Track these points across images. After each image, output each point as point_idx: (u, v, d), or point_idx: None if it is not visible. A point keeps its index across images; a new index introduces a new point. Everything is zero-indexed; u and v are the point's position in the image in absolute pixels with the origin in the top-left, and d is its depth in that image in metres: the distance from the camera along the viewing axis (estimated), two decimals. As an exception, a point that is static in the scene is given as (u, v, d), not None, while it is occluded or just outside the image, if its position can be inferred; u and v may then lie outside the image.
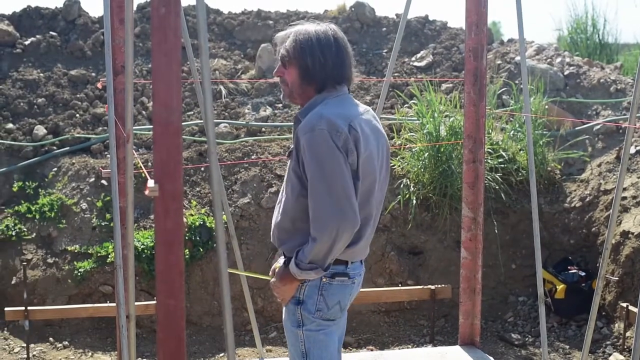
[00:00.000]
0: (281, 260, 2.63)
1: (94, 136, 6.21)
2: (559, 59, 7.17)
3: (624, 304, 4.84)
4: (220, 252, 1.87)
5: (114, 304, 4.57)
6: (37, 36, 7.23)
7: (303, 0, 28.06)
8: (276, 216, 2.64)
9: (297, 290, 2.55)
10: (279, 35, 2.60)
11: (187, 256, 5.28)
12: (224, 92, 6.92)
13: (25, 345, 4.85)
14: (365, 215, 2.51)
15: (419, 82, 6.78)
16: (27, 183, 5.80)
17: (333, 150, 2.37)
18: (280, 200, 2.62)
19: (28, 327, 4.73)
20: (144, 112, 6.58)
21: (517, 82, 6.65)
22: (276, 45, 2.61)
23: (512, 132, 6.06)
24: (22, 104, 6.52)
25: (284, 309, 2.68)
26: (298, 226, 2.52)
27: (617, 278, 5.17)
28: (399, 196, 5.67)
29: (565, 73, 6.96)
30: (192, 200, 5.67)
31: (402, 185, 5.72)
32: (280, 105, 6.84)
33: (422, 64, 7.48)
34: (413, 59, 7.59)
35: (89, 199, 5.72)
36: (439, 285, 5.26)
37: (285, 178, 2.59)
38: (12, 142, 6.08)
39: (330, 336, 2.60)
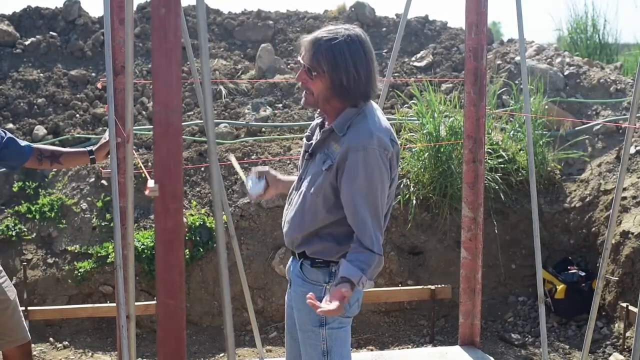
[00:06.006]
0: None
1: (94, 136, 6.21)
2: (558, 59, 7.17)
3: (624, 304, 4.84)
4: (220, 252, 1.87)
5: (114, 304, 4.57)
6: (37, 36, 7.23)
7: (303, 0, 28.10)
8: (300, 225, 2.59)
9: (321, 292, 2.54)
10: (307, 39, 2.49)
11: (187, 256, 5.28)
12: (224, 92, 6.92)
13: (25, 345, 4.84)
14: (386, 210, 2.58)
15: (418, 82, 6.78)
16: (27, 183, 5.80)
17: (382, 170, 2.45)
18: (303, 209, 2.57)
19: (28, 327, 4.73)
20: (144, 112, 6.58)
21: (517, 82, 6.65)
22: (300, 47, 2.52)
23: (512, 132, 6.06)
24: (22, 104, 6.52)
25: (296, 312, 2.68)
26: (325, 232, 2.55)
27: (617, 278, 5.17)
28: (399, 196, 5.67)
29: (565, 73, 6.96)
30: (192, 200, 5.67)
31: (402, 186, 5.72)
32: (280, 105, 6.84)
33: (422, 64, 7.48)
34: (413, 59, 7.60)
35: (89, 199, 5.72)
36: (439, 286, 5.26)
37: (309, 184, 2.55)
38: (12, 142, 6.08)
39: (348, 333, 2.66)
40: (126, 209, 2.72)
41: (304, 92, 2.53)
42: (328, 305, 2.32)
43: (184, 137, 6.01)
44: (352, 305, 2.61)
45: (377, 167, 2.42)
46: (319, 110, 2.64)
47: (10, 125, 6.26)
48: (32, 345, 4.96)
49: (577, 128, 6.36)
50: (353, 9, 8.15)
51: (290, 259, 2.75)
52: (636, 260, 5.13)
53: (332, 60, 2.41)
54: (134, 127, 5.27)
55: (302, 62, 2.50)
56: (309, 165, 2.60)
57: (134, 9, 5.82)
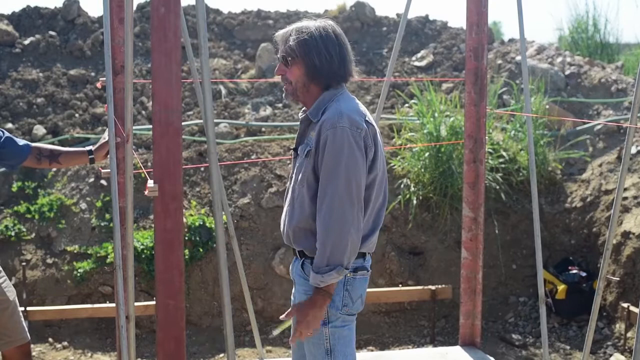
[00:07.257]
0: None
1: (93, 136, 6.20)
2: (559, 59, 7.16)
3: (625, 305, 4.83)
4: (220, 252, 1.86)
5: (113, 305, 4.56)
6: (37, 36, 7.22)
7: (303, 0, 28.11)
8: (290, 217, 2.60)
9: None
10: (279, 33, 2.59)
11: (187, 256, 5.27)
12: (223, 92, 6.91)
13: (24, 345, 4.83)
14: (381, 203, 2.57)
15: (419, 82, 6.77)
16: (26, 183, 5.79)
17: (352, 148, 2.41)
18: (293, 201, 2.58)
19: (27, 327, 4.72)
20: (143, 112, 6.57)
21: (517, 81, 6.64)
22: (277, 44, 2.60)
23: (513, 132, 6.05)
24: (21, 103, 6.51)
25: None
26: (315, 226, 2.53)
27: (618, 278, 5.16)
28: (400, 196, 5.66)
29: (566, 73, 6.95)
30: (191, 201, 5.66)
31: (402, 185, 5.71)
32: (280, 105, 6.83)
33: (423, 63, 7.47)
34: (413, 58, 7.59)
35: (88, 199, 5.71)
36: (440, 286, 5.25)
37: (296, 178, 2.58)
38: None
39: (352, 331, 2.64)
40: (125, 209, 2.70)
41: (284, 85, 2.60)
42: (300, 327, 2.47)
43: (183, 137, 6.00)
44: (355, 301, 2.60)
45: (347, 143, 2.40)
46: (302, 106, 2.67)
47: (10, 125, 6.25)
48: (32, 345, 4.96)
49: (578, 128, 6.35)
50: (353, 9, 8.14)
51: (293, 259, 2.75)
52: (637, 260, 5.12)
53: (304, 44, 2.49)
54: (134, 127, 5.26)
55: (278, 56, 2.58)
56: (296, 161, 2.63)
57: (134, 8, 5.80)
